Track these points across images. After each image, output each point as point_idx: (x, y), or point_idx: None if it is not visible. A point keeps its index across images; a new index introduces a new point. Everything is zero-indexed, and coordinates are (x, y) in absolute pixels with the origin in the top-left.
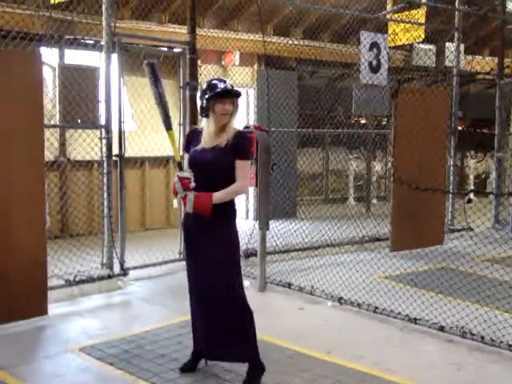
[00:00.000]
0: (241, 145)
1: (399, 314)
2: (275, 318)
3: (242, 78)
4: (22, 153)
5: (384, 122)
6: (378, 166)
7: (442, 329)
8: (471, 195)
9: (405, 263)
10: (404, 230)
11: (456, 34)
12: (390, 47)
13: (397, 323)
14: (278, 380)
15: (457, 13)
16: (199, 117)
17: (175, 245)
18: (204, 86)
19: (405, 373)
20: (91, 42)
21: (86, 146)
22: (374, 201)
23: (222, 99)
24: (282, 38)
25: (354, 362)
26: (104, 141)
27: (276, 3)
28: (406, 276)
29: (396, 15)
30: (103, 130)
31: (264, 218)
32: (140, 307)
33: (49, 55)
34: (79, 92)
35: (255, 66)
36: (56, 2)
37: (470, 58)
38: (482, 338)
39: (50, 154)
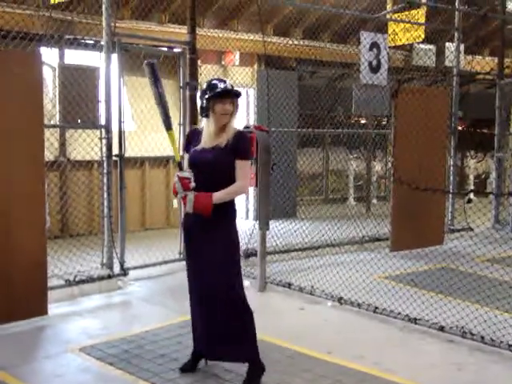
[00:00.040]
0: (241, 145)
1: (399, 314)
2: (275, 318)
3: (242, 78)
4: (22, 153)
5: (384, 122)
6: (378, 166)
7: (442, 329)
8: (471, 195)
9: (405, 263)
10: (404, 230)
11: (456, 34)
12: (389, 47)
13: (397, 323)
14: (278, 380)
15: (457, 13)
16: (199, 117)
17: (175, 245)
18: (204, 86)
19: (405, 373)
20: (91, 41)
21: (86, 145)
22: (374, 201)
23: (221, 99)
24: (282, 38)
25: (355, 362)
26: (104, 141)
27: (276, 3)
28: (406, 276)
29: (396, 15)
30: (103, 130)
31: (264, 217)
32: (140, 307)
33: (49, 55)
34: (79, 92)
35: (255, 66)
36: (56, 1)
37: (470, 58)
38: (483, 338)
39: (50, 154)
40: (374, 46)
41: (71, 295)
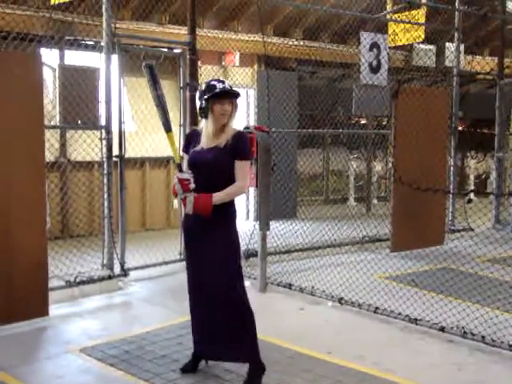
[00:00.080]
0: (240, 145)
1: (400, 314)
2: (276, 318)
3: (242, 78)
4: (22, 154)
5: (384, 123)
6: (378, 167)
7: (442, 329)
8: (472, 195)
9: (405, 263)
10: (404, 230)
11: (456, 34)
12: (390, 47)
13: (397, 323)
14: (279, 380)
15: (457, 13)
16: (199, 117)
17: (176, 245)
18: (203, 87)
19: (405, 373)
20: (91, 42)
21: (86, 146)
22: (375, 201)
23: (220, 100)
24: (282, 39)
25: (355, 363)
26: (104, 141)
27: (276, 4)
28: (406, 276)
29: (396, 15)
30: (103, 131)
31: (264, 218)
32: (140, 308)
33: (49, 56)
34: (79, 93)
35: (255, 67)
36: (56, 2)
37: (470, 58)
38: (483, 338)
39: (50, 155)
40: (374, 46)
41: (72, 296)
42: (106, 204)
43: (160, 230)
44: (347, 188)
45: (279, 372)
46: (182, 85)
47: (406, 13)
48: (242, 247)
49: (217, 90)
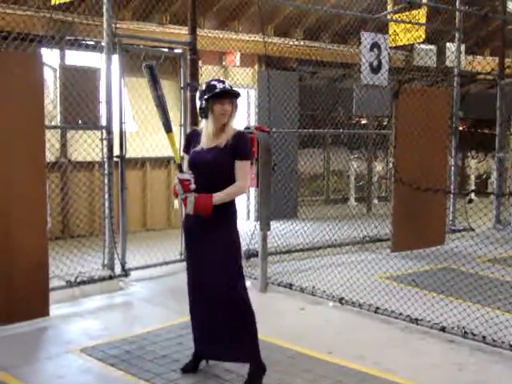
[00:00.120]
0: (240, 145)
1: (400, 314)
2: (276, 318)
3: (242, 78)
4: (22, 154)
5: (385, 123)
6: (378, 167)
7: (443, 329)
8: (472, 195)
9: (406, 263)
10: (405, 230)
11: (457, 35)
12: (390, 47)
13: (398, 324)
14: (279, 380)
15: (457, 13)
16: (199, 117)
17: (176, 245)
18: (203, 87)
19: (406, 373)
20: (92, 42)
21: (86, 146)
22: (375, 201)
23: (220, 99)
24: (282, 39)
25: (355, 363)
26: (105, 142)
27: (276, 4)
28: (407, 276)
29: (396, 15)
30: (104, 131)
31: (265, 218)
32: (141, 308)
33: (50, 56)
34: (80, 93)
35: (256, 67)
36: (57, 3)
37: (470, 58)
38: (484, 338)
39: (51, 155)
40: (375, 46)
41: (72, 296)
42: (106, 204)
43: (161, 230)
44: (348, 188)
45: (280, 372)
46: (182, 85)
47: (407, 13)
48: (243, 247)
49: (217, 90)
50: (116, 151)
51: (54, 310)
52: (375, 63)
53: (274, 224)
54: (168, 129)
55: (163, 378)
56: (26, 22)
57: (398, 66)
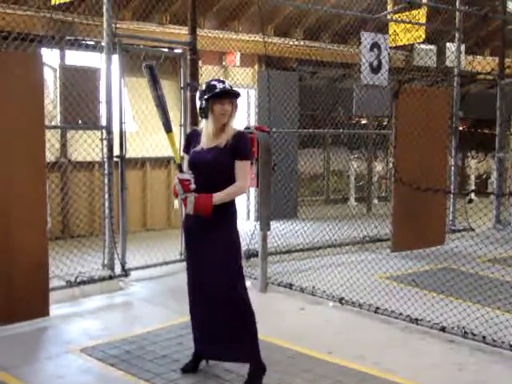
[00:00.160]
0: (240, 145)
1: (400, 314)
2: (276, 318)
3: (242, 78)
4: (22, 154)
5: (385, 123)
6: (378, 167)
7: (443, 329)
8: (472, 195)
9: (406, 263)
10: (405, 230)
11: (457, 35)
12: (390, 47)
13: (398, 324)
14: (279, 380)
15: (457, 13)
16: (199, 117)
17: (176, 245)
18: (203, 87)
19: (406, 373)
20: (92, 42)
21: (86, 146)
22: (375, 201)
23: (220, 99)
24: (282, 39)
25: (355, 363)
26: (105, 142)
27: (276, 4)
28: (407, 276)
29: (396, 15)
30: (104, 131)
31: (265, 218)
32: (141, 308)
33: (50, 56)
34: (80, 93)
35: (256, 67)
36: (57, 3)
37: (470, 58)
38: (484, 338)
39: (51, 155)
40: (375, 46)
41: (72, 296)
42: (106, 204)
43: (161, 230)
44: (348, 188)
45: (280, 372)
46: (182, 85)
47: (407, 13)
48: (243, 247)
49: (217, 90)
50: (116, 151)
51: (54, 309)
52: (375, 63)
53: (273, 224)
54: (168, 129)
55: (163, 378)
56: (26, 21)
57: (397, 66)
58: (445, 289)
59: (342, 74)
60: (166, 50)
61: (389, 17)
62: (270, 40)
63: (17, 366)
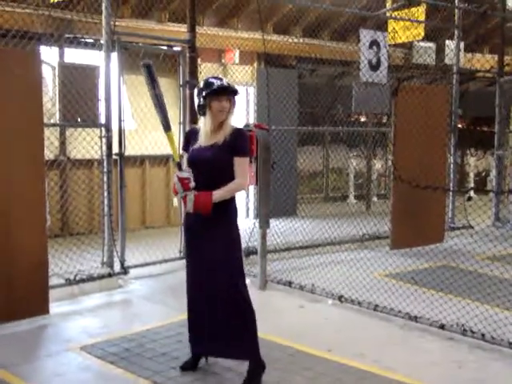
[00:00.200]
0: (238, 142)
1: (400, 312)
2: (276, 316)
3: (241, 76)
4: (21, 152)
5: (384, 120)
6: (378, 164)
7: (442, 327)
8: (471, 193)
9: (405, 261)
10: (404, 227)
11: (456, 32)
12: (389, 45)
13: (397, 321)
14: (279, 378)
15: (457, 10)
16: (198, 115)
17: (176, 243)
18: (201, 84)
19: (405, 371)
20: (91, 40)
21: (86, 144)
22: (375, 199)
23: (218, 96)
24: (281, 36)
25: (355, 360)
26: (104, 139)
27: (276, 1)
28: (406, 274)
29: (396, 13)
30: (103, 129)
31: (264, 216)
32: (141, 306)
33: (48, 54)
34: (79, 91)
35: (255, 65)
36: (55, 0)
37: (469, 55)
38: (483, 335)
39: (50, 153)
40: (374, 43)
41: (72, 294)
42: (105, 202)
43: (160, 227)
44: (347, 186)
45: (279, 370)
46: (181, 83)
47: (406, 10)
48: (242, 245)
49: (214, 87)
50: (115, 149)
51: (54, 308)
52: (374, 61)
53: (273, 222)
54: (167, 128)
55: (162, 376)
56: (25, 19)
57: (397, 63)
58: (444, 286)
59: (341, 72)
60: (165, 47)
61: (388, 14)
62: (269, 37)
63: (16, 364)
